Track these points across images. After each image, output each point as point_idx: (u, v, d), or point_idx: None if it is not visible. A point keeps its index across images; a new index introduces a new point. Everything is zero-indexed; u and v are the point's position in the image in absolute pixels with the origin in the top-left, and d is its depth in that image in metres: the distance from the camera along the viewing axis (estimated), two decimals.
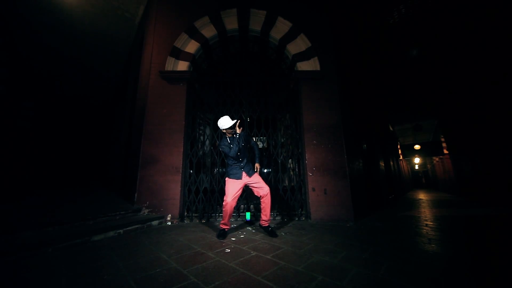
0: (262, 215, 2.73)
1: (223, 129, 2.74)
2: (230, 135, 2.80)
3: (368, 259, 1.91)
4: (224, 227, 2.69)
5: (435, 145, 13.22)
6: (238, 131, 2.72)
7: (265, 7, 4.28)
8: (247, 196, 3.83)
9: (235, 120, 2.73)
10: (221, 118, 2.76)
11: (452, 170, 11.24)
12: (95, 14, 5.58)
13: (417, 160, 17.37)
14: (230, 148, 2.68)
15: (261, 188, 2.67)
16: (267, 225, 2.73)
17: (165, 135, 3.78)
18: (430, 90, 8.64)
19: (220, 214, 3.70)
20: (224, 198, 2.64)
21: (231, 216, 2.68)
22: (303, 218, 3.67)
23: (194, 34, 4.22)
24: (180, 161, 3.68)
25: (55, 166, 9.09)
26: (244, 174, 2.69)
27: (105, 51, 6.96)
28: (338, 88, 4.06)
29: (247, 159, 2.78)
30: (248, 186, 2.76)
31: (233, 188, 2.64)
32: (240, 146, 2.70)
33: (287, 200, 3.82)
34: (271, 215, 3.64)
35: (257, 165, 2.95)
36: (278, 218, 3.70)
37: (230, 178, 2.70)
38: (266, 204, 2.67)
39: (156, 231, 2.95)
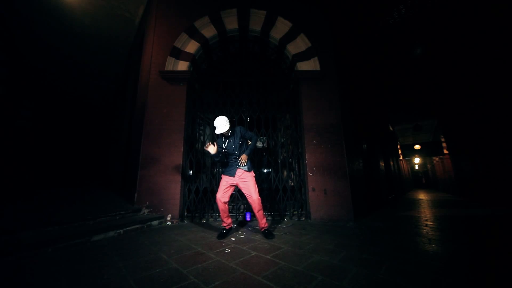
0: (258, 222, 2.73)
1: (217, 133, 2.67)
2: (225, 136, 2.78)
3: (368, 259, 1.91)
4: (223, 224, 2.70)
5: (435, 145, 13.23)
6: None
7: (265, 7, 4.28)
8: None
9: (224, 131, 2.65)
10: (218, 118, 2.67)
11: (452, 170, 11.23)
12: (95, 14, 5.58)
13: (417, 160, 17.38)
14: (219, 148, 2.71)
15: (249, 195, 2.60)
16: (262, 230, 2.67)
17: (165, 135, 3.78)
18: (430, 90, 8.63)
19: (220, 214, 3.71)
20: (216, 195, 2.65)
21: (225, 212, 2.64)
22: (303, 218, 3.67)
23: (194, 34, 4.22)
24: (180, 161, 3.68)
25: (55, 166, 9.09)
26: (237, 172, 2.66)
27: (105, 51, 6.96)
28: (338, 88, 4.06)
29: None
30: (239, 187, 2.69)
31: (224, 184, 2.65)
32: (231, 146, 2.71)
33: (287, 200, 3.82)
34: (267, 215, 3.65)
35: (243, 156, 2.62)
36: (278, 218, 3.70)
37: (224, 174, 2.72)
38: (255, 211, 2.61)
39: (156, 231, 2.95)
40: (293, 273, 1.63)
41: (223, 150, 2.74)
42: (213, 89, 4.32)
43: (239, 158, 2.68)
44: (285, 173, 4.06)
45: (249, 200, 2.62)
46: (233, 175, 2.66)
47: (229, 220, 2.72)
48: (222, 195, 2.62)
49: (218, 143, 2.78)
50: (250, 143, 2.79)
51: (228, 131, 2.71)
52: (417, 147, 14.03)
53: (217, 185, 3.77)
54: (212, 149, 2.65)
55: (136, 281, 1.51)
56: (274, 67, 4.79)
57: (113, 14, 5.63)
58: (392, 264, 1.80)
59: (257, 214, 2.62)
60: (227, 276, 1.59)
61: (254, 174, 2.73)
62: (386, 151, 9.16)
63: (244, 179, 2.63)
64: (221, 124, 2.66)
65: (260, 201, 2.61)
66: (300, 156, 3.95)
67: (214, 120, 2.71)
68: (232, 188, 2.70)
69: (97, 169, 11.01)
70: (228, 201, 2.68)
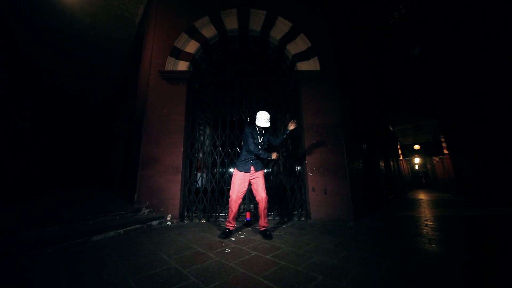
0: (259, 221, 2.73)
1: (258, 125, 2.79)
2: (259, 131, 2.86)
3: (368, 259, 1.91)
4: (228, 225, 2.69)
5: (435, 145, 13.22)
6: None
7: (265, 7, 4.28)
8: (247, 196, 3.83)
9: (267, 126, 2.79)
10: (264, 112, 2.80)
11: (452, 170, 11.23)
12: (95, 14, 5.58)
13: (417, 160, 17.38)
14: (254, 142, 2.73)
15: (257, 192, 2.65)
16: (263, 229, 2.68)
17: (165, 135, 3.78)
18: (430, 90, 8.63)
19: (220, 214, 3.71)
20: (230, 194, 2.65)
21: (235, 214, 2.66)
22: (303, 218, 3.67)
23: (194, 34, 4.22)
24: (180, 161, 3.68)
25: (55, 166, 9.09)
26: (252, 168, 2.70)
27: (105, 51, 6.96)
28: (338, 88, 4.06)
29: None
30: (250, 183, 2.75)
31: (239, 183, 2.64)
32: (264, 144, 2.82)
33: (287, 200, 3.82)
34: (268, 215, 3.62)
35: (274, 153, 2.69)
36: (278, 218, 3.70)
37: (238, 170, 2.72)
38: (260, 210, 2.65)
39: (156, 231, 2.95)
40: (293, 273, 1.63)
41: (255, 142, 2.76)
42: (213, 89, 4.32)
43: (257, 157, 2.75)
44: (285, 173, 4.05)
45: (257, 197, 2.66)
46: (248, 171, 2.68)
47: (235, 223, 2.75)
48: (239, 195, 2.63)
49: (253, 134, 2.79)
50: (279, 139, 2.96)
51: (267, 128, 2.86)
52: (417, 147, 14.02)
53: (217, 185, 3.79)
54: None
55: (136, 281, 1.51)
56: (274, 67, 4.79)
57: (113, 14, 5.62)
58: (392, 264, 1.80)
59: (261, 212, 2.65)
60: (227, 276, 1.59)
61: (264, 173, 2.80)
62: (386, 151, 9.16)
63: (256, 176, 2.70)
64: (265, 119, 2.77)
65: (267, 200, 2.66)
66: (300, 156, 3.95)
67: (259, 112, 2.83)
68: (246, 188, 2.71)
69: (97, 169, 11.01)
70: (241, 202, 2.71)
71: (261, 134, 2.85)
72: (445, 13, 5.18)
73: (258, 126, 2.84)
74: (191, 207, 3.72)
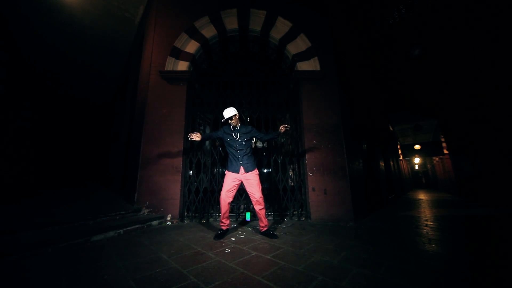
0: (259, 222, 2.70)
1: (225, 117, 2.75)
2: (233, 125, 2.80)
3: (368, 259, 1.91)
4: (221, 225, 2.68)
5: (435, 145, 13.23)
6: (233, 123, 2.77)
7: (265, 7, 4.28)
8: (247, 196, 3.83)
9: (231, 115, 2.70)
10: (228, 108, 2.79)
11: (452, 170, 11.23)
12: (95, 14, 5.58)
13: (417, 160, 17.38)
14: (216, 135, 2.86)
15: (252, 194, 2.60)
16: (266, 229, 2.67)
17: (165, 135, 3.78)
18: (430, 90, 8.63)
19: (220, 214, 3.70)
20: (221, 193, 2.64)
21: (226, 212, 2.61)
22: (303, 218, 3.67)
23: (194, 34, 4.22)
24: (180, 161, 3.68)
25: (55, 166, 9.09)
26: (242, 169, 2.63)
27: (105, 51, 6.96)
28: (338, 88, 4.06)
29: (247, 155, 2.70)
30: (244, 185, 2.69)
31: (228, 182, 2.62)
32: (241, 136, 2.74)
33: (287, 200, 3.82)
34: (268, 215, 3.63)
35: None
36: (278, 218, 3.70)
37: (228, 170, 2.70)
38: (257, 212, 2.61)
39: (156, 231, 2.95)
40: (293, 273, 1.63)
41: (221, 136, 2.81)
42: (213, 89, 4.32)
43: (242, 155, 2.67)
44: (285, 173, 4.06)
45: (252, 199, 2.62)
46: (237, 171, 2.64)
47: (228, 221, 2.71)
48: (227, 194, 2.59)
49: (224, 129, 2.84)
50: (267, 136, 2.85)
51: (231, 118, 2.72)
52: (417, 147, 14.03)
53: (217, 185, 3.80)
54: (196, 137, 2.68)
55: (136, 281, 1.51)
56: (274, 67, 4.78)
57: (113, 14, 5.62)
58: (392, 264, 1.80)
59: (259, 214, 2.62)
60: (227, 276, 1.59)
61: (258, 172, 2.71)
62: (386, 151, 9.16)
63: (248, 178, 2.62)
64: (227, 112, 2.72)
65: (263, 200, 2.61)
66: (300, 156, 3.95)
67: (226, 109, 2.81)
68: (237, 188, 2.67)
69: (97, 169, 11.02)
70: (231, 201, 2.67)
71: (235, 130, 2.77)
72: (445, 13, 5.18)
73: (229, 123, 2.78)
74: (191, 207, 3.72)
